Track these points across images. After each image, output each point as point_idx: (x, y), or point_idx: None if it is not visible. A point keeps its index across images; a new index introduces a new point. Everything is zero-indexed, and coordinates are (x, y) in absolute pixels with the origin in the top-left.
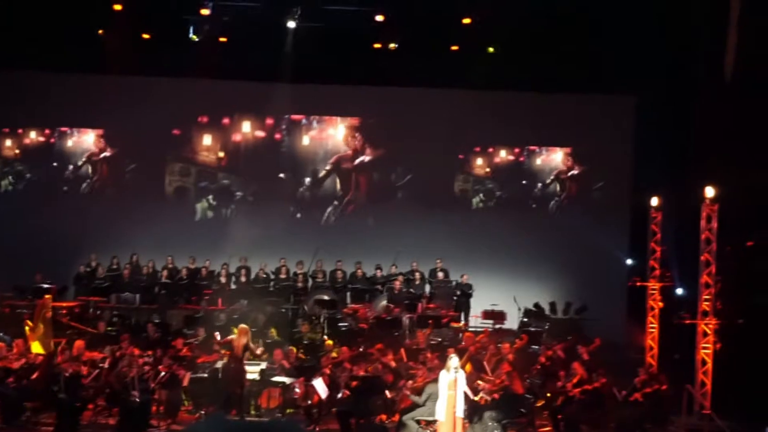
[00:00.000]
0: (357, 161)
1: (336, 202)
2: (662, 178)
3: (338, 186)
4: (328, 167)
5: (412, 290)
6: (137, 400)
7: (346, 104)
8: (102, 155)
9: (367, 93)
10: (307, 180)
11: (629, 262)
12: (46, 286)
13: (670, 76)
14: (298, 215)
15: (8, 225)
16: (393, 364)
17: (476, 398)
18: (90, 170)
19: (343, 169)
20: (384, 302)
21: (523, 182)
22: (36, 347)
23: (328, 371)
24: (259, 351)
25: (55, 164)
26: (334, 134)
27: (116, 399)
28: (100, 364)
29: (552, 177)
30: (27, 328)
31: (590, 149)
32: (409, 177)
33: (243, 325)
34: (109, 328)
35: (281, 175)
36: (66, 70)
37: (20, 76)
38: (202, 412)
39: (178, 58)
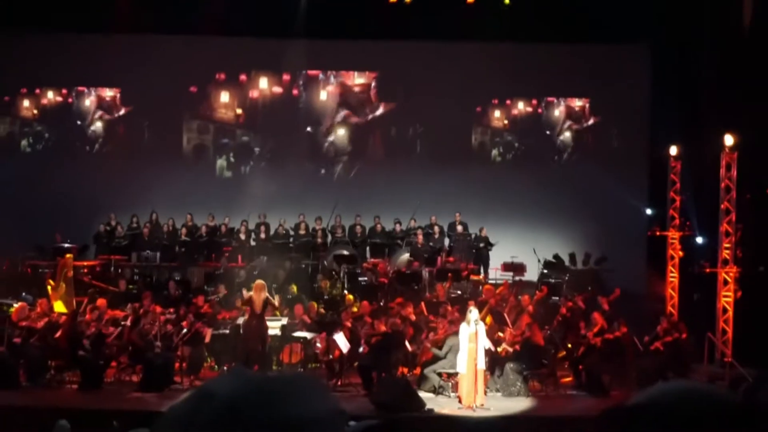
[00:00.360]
0: (372, 116)
1: (346, 158)
2: (680, 127)
3: (353, 141)
4: (340, 121)
5: (431, 244)
6: (160, 354)
7: (363, 59)
8: (119, 113)
9: (383, 47)
10: (325, 136)
11: (648, 211)
12: (66, 245)
13: (687, 23)
14: (322, 171)
15: (28, 185)
16: (413, 317)
17: (497, 350)
18: (107, 129)
19: (359, 124)
20: (407, 256)
21: (542, 134)
22: (58, 306)
23: (348, 325)
24: (276, 302)
25: (78, 122)
26: (351, 89)
27: (139, 356)
28: (123, 322)
29: (567, 127)
30: (49, 287)
31: (607, 99)
32: (421, 130)
33: (259, 281)
34: (130, 287)
35: (308, 128)
36: (81, 29)
37: (35, 36)
38: (225, 368)
39: (192, 15)
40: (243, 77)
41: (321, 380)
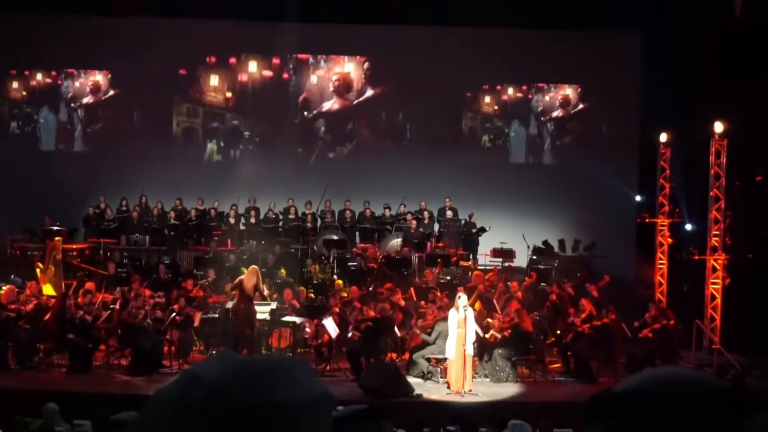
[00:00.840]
0: (361, 100)
1: (336, 142)
2: (671, 114)
3: (343, 126)
4: (330, 105)
5: (421, 229)
6: (148, 338)
7: (353, 43)
8: (108, 96)
9: (374, 31)
10: (315, 120)
11: (638, 198)
12: (55, 228)
13: (677, 11)
14: (313, 155)
15: (17, 167)
16: (402, 303)
17: (486, 336)
18: (97, 112)
19: (349, 108)
20: (398, 240)
21: (532, 120)
22: (47, 289)
23: (337, 310)
24: (266, 292)
25: (69, 105)
26: (341, 73)
27: (128, 340)
28: (111, 305)
29: (557, 113)
30: (38, 270)
31: (598, 86)
32: (411, 115)
33: (253, 266)
34: (120, 270)
35: (298, 113)
36: (71, 11)
37: (25, 18)
38: (213, 351)
39: None
40: (233, 60)
41: (308, 364)
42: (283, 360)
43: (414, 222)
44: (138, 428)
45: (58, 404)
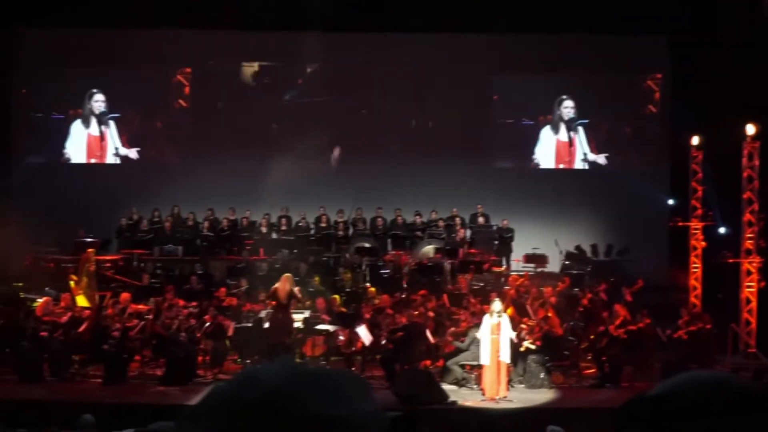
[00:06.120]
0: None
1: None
2: (702, 116)
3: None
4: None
5: (453, 235)
6: (183, 348)
7: (374, 50)
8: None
9: (388, 39)
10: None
11: (670, 202)
12: (89, 240)
13: (703, 12)
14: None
15: (48, 180)
16: (431, 314)
17: (521, 349)
18: (125, 125)
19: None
20: (431, 247)
21: (561, 126)
22: (81, 300)
23: (368, 317)
24: (300, 296)
25: (96, 119)
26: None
27: (162, 350)
28: (146, 316)
29: (587, 119)
30: (72, 282)
31: (628, 90)
32: (439, 122)
33: (286, 274)
34: (153, 280)
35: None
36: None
37: (51, 33)
38: (248, 361)
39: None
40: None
41: (365, 380)
42: (340, 374)
43: (462, 230)
44: (192, 420)
45: (94, 415)
